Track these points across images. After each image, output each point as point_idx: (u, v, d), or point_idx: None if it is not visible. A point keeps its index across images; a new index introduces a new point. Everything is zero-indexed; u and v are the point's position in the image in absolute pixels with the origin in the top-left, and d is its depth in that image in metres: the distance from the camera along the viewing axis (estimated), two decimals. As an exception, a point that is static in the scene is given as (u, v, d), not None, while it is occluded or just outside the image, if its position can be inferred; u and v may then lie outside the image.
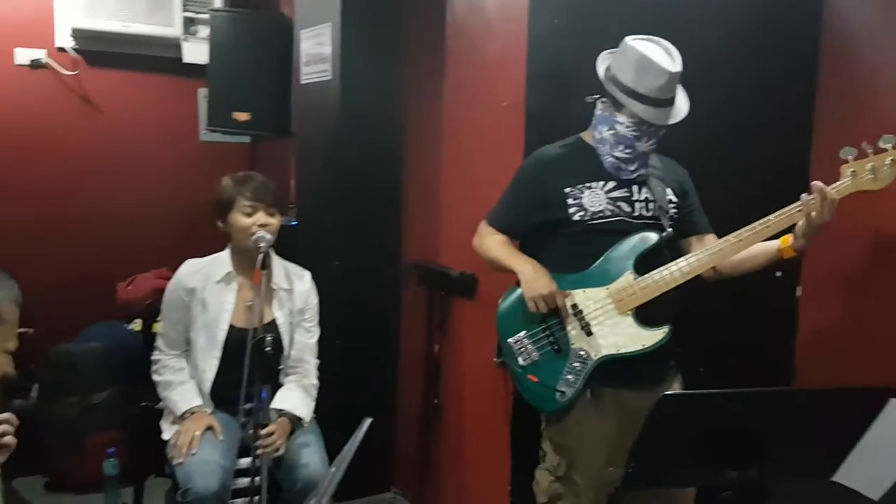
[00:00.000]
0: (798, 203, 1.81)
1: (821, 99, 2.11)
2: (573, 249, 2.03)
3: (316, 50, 3.15)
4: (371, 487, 3.12)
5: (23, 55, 3.70)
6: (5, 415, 1.51)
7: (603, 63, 2.00)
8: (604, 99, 2.00)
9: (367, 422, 1.25)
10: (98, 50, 3.85)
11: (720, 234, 1.98)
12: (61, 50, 3.78)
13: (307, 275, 2.64)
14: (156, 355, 2.53)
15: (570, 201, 2.01)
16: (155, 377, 2.51)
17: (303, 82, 3.28)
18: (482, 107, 2.70)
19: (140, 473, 3.22)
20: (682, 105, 1.96)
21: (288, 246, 2.70)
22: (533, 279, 2.00)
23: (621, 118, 1.95)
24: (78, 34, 3.75)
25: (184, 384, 2.45)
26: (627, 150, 1.97)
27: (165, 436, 2.42)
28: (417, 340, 3.03)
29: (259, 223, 2.41)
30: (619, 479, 1.77)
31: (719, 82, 2.16)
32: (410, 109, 3.09)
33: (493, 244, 2.15)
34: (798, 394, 1.83)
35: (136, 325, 3.55)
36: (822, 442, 1.59)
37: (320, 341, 2.64)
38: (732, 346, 2.21)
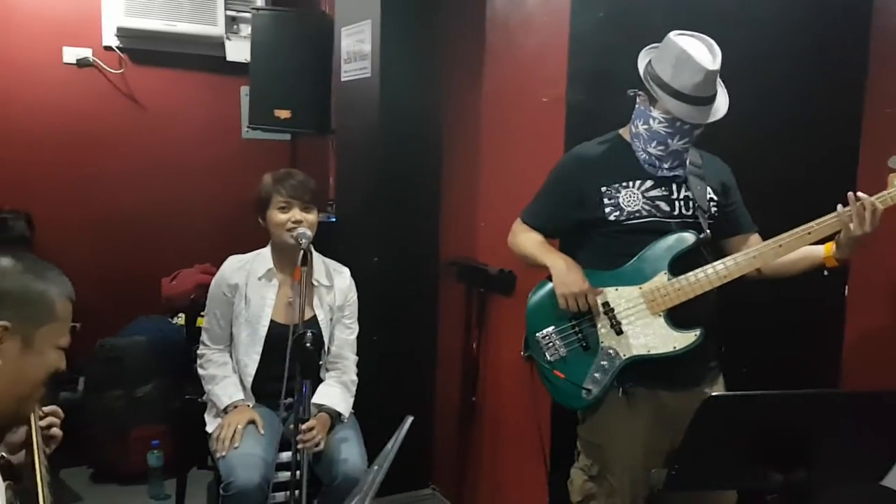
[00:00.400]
0: (835, 214, 1.77)
1: (870, 93, 2.06)
2: (608, 248, 2.01)
3: (356, 47, 3.17)
4: (409, 484, 3.14)
5: (70, 54, 3.78)
6: (51, 407, 1.54)
7: (645, 57, 1.97)
8: (641, 93, 1.97)
9: (409, 420, 1.25)
10: (143, 49, 3.92)
11: (764, 237, 1.94)
12: (108, 49, 3.86)
13: (347, 271, 2.66)
14: (200, 349, 2.57)
15: (605, 200, 1.98)
16: (199, 371, 2.56)
17: (343, 80, 3.30)
18: (522, 102, 2.68)
19: (183, 465, 3.28)
20: (720, 104, 1.91)
21: (327, 242, 2.72)
22: (565, 275, 1.98)
23: (655, 113, 1.91)
24: (123, 33, 3.82)
25: (227, 378, 2.49)
26: (660, 147, 1.94)
27: (209, 428, 2.45)
28: (455, 337, 3.03)
29: (294, 219, 2.43)
30: (660, 481, 1.75)
31: (765, 78, 2.12)
32: (449, 106, 3.09)
33: (527, 240, 2.13)
34: (846, 396, 1.79)
35: (180, 319, 3.61)
36: (871, 445, 1.55)
37: (359, 338, 2.65)
38: (777, 346, 2.17)
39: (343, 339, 2.60)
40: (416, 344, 3.17)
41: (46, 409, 1.52)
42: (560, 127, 2.39)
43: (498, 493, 2.84)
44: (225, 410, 2.42)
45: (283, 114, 3.70)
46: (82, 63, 3.80)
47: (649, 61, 1.94)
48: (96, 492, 3.36)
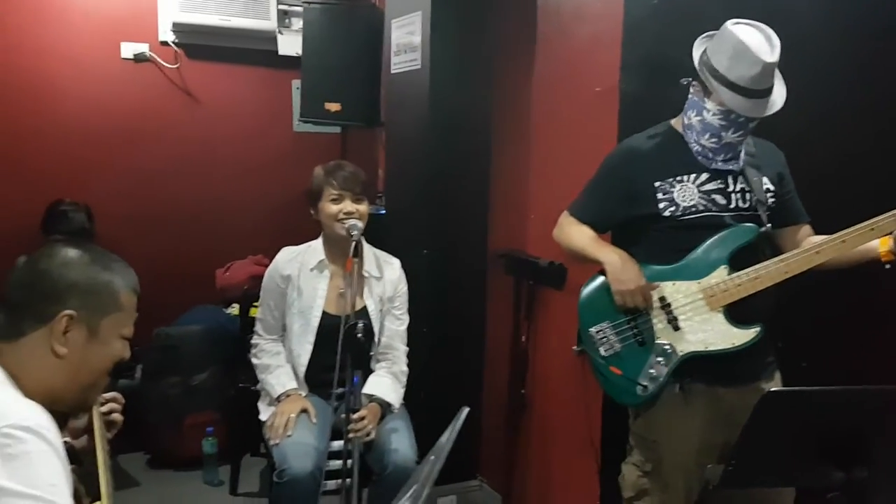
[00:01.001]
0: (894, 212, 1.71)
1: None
2: (663, 244, 1.96)
3: (406, 39, 3.17)
4: (457, 475, 3.14)
5: (128, 49, 3.87)
6: (112, 394, 1.58)
7: (700, 46, 1.91)
8: (696, 83, 1.92)
9: (465, 411, 1.25)
10: (198, 43, 3.99)
11: (825, 232, 1.88)
12: (164, 44, 3.94)
13: (397, 263, 2.67)
14: (254, 339, 2.62)
15: (659, 196, 1.93)
16: (253, 360, 2.60)
17: (393, 72, 3.31)
18: (574, 93, 2.65)
19: (237, 452, 3.36)
20: (777, 97, 1.84)
21: (377, 234, 2.74)
22: (621, 271, 1.94)
23: (709, 105, 1.86)
24: (179, 28, 3.90)
25: (280, 367, 2.52)
26: (713, 140, 1.89)
27: (262, 417, 2.50)
28: (504, 330, 3.02)
29: (345, 210, 2.45)
30: (716, 477, 1.72)
31: (826, 69, 2.05)
32: (499, 97, 3.07)
33: (576, 233, 2.08)
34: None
35: (234, 309, 3.67)
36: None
37: (408, 329, 2.67)
38: (837, 340, 2.10)
39: (393, 329, 2.61)
40: (465, 336, 3.17)
41: (107, 395, 1.57)
42: (613, 117, 2.35)
43: (547, 487, 2.83)
44: (278, 399, 2.46)
45: (334, 107, 3.73)
46: (139, 58, 3.89)
47: (704, 50, 1.89)
48: (152, 477, 3.44)
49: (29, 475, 1.01)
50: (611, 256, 1.97)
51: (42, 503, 1.00)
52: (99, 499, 1.32)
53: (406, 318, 2.66)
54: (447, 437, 1.09)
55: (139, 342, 3.52)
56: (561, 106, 2.74)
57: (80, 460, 1.39)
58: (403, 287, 2.65)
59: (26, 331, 1.23)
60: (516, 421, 2.93)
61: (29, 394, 1.18)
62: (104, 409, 1.54)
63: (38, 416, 1.08)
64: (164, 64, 3.93)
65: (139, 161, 3.95)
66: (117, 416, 1.57)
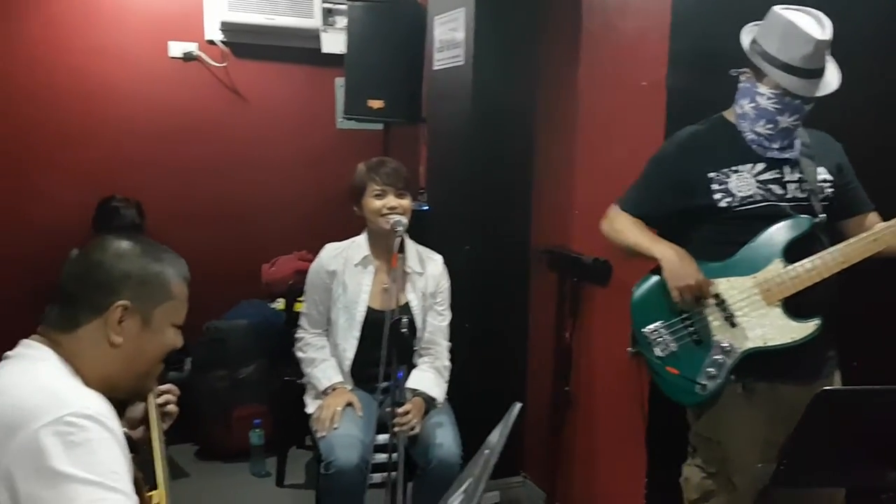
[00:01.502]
0: None
1: None
2: (717, 237, 1.93)
3: (449, 35, 3.18)
4: (500, 471, 3.13)
5: (176, 48, 3.94)
6: (168, 385, 1.63)
7: (748, 34, 1.89)
8: (746, 71, 1.89)
9: (517, 407, 1.24)
10: (243, 42, 4.04)
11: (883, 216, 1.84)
12: (211, 43, 4.00)
13: (439, 258, 2.68)
14: (299, 333, 2.65)
15: (714, 187, 1.91)
16: (298, 354, 2.64)
17: (435, 68, 3.32)
18: (620, 87, 2.62)
19: (283, 444, 3.41)
20: (831, 78, 1.81)
21: (419, 230, 2.75)
22: (678, 267, 1.91)
23: (763, 89, 1.83)
24: (226, 27, 3.96)
25: (325, 361, 2.56)
26: (769, 126, 1.86)
27: (309, 409, 2.53)
28: (547, 327, 3.01)
29: (388, 206, 2.47)
30: (766, 476, 1.69)
31: (878, 53, 2.00)
32: (543, 92, 3.06)
33: (628, 228, 2.05)
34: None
35: (279, 304, 3.73)
36: None
37: (451, 325, 2.68)
38: (890, 338, 2.05)
39: (435, 325, 2.63)
40: (508, 332, 3.16)
41: (163, 387, 1.61)
42: (660, 112, 2.33)
43: (592, 484, 2.81)
44: (324, 392, 2.49)
45: (376, 104, 3.75)
46: (187, 57, 3.96)
47: (753, 38, 1.86)
48: (201, 468, 3.51)
49: (91, 462, 1.04)
50: (667, 252, 1.94)
51: (104, 489, 1.03)
52: (156, 487, 1.36)
53: (448, 314, 2.67)
54: (500, 432, 1.09)
55: (188, 336, 3.60)
56: (606, 100, 2.71)
57: (137, 450, 1.43)
58: (445, 283, 2.66)
59: (82, 322, 1.26)
60: (560, 418, 2.92)
61: (87, 383, 1.22)
62: (160, 400, 1.58)
63: (99, 405, 1.12)
64: (211, 62, 4.00)
65: (187, 158, 4.02)
66: (172, 408, 1.62)
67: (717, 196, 1.91)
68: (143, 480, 1.33)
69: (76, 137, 3.80)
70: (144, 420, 1.55)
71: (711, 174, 1.91)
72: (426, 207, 3.53)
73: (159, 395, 1.59)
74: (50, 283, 1.36)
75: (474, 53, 2.97)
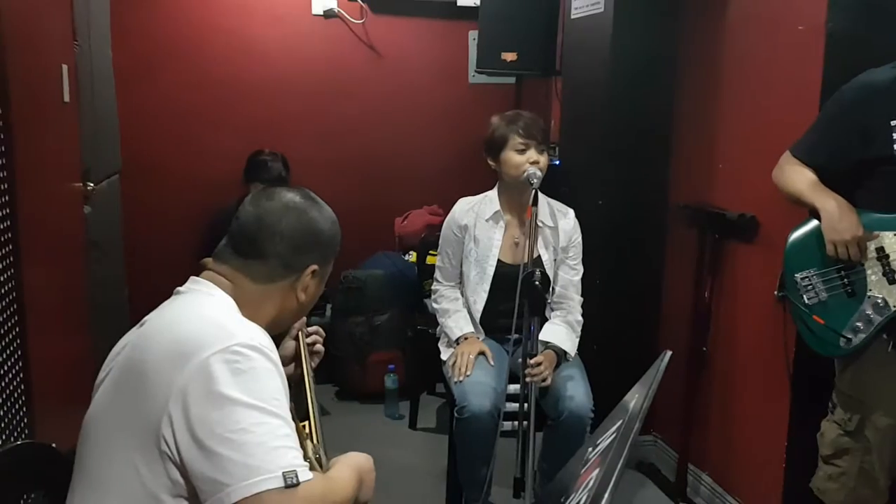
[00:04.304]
0: None
1: None
2: (891, 191, 1.82)
3: (588, -18, 3.08)
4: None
5: (318, 5, 4.06)
6: (315, 328, 1.74)
7: None
8: None
9: (668, 355, 1.23)
10: (381, -2, 4.12)
11: None
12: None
13: (571, 213, 2.66)
14: (434, 285, 2.72)
15: (895, 136, 1.78)
16: (433, 305, 2.71)
17: (573, 17, 3.23)
18: (772, 33, 2.46)
19: (415, 390, 3.54)
20: None
21: (551, 185, 2.72)
22: (837, 220, 1.82)
23: None
24: (364, -18, 4.04)
25: (458, 312, 2.62)
26: None
27: (443, 356, 2.61)
28: (684, 285, 2.91)
29: (531, 160, 2.46)
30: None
31: None
32: (687, 40, 2.91)
33: (795, 175, 1.97)
34: None
35: (411, 256, 3.84)
36: None
37: (583, 281, 2.65)
38: None
39: (567, 279, 2.62)
40: (641, 290, 3.09)
41: (311, 328, 1.71)
42: (818, 59, 2.17)
43: (729, 446, 2.74)
44: (456, 342, 2.55)
45: (510, 56, 3.72)
46: (328, 14, 4.07)
47: None
48: (340, 407, 3.71)
49: (256, 389, 1.12)
50: (829, 203, 1.86)
51: (266, 414, 1.11)
52: (307, 419, 1.46)
53: (580, 269, 2.65)
54: (652, 378, 1.09)
55: (329, 283, 3.78)
56: (756, 47, 2.55)
57: (289, 386, 1.54)
58: (578, 237, 2.64)
59: (276, 279, 1.34)
60: (696, 378, 2.85)
61: (252, 320, 1.30)
62: (309, 340, 1.69)
63: (263, 338, 1.20)
64: (350, 19, 4.09)
65: (327, 113, 4.17)
66: (320, 347, 1.72)
67: None
68: (296, 412, 1.43)
69: (230, 93, 4.03)
70: (294, 358, 1.66)
71: (894, 122, 1.79)
72: (557, 163, 3.49)
73: (308, 335, 1.69)
74: (214, 228, 1.46)
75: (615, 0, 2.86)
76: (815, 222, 1.92)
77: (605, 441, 1.02)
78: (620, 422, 1.00)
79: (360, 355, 3.71)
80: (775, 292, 2.01)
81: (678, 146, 3.00)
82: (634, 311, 3.07)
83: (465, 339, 2.54)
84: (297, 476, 1.08)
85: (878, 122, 1.80)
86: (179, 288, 1.34)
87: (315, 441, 1.40)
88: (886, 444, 1.88)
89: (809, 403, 2.15)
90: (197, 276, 1.34)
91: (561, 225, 2.61)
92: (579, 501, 0.90)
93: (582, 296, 2.65)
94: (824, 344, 1.91)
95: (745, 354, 2.64)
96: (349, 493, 1.25)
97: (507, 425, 2.33)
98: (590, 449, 1.18)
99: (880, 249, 1.81)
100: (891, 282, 1.80)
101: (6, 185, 1.77)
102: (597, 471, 0.86)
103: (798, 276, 1.93)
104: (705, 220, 2.77)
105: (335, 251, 1.44)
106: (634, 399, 1.07)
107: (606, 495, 0.75)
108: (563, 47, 3.47)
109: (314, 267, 1.37)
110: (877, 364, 1.85)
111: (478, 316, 2.60)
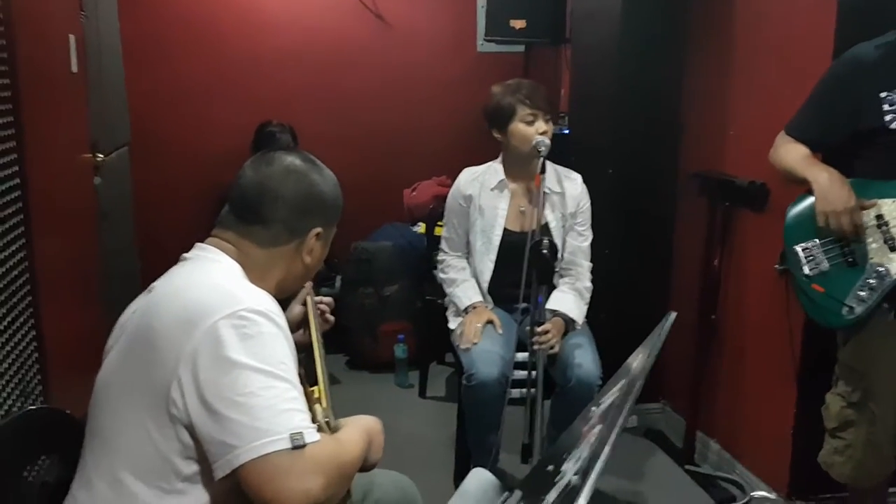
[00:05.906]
0: None
1: None
2: (887, 161, 1.80)
3: (597, -52, 3.04)
4: (639, 397, 3.12)
5: (324, -26, 4.04)
6: (326, 298, 1.76)
7: None
8: None
9: (672, 316, 1.23)
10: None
11: None
12: (357, -34, 4.06)
13: (578, 178, 2.64)
14: (440, 256, 2.73)
15: (886, 107, 1.76)
16: (440, 275, 2.72)
17: (582, -16, 3.20)
18: (784, 1, 2.42)
19: (425, 359, 3.57)
20: None
21: (560, 155, 2.70)
22: (828, 191, 1.82)
23: None
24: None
25: (466, 282, 2.62)
26: None
27: (451, 325, 2.62)
28: (694, 253, 2.90)
29: (540, 131, 2.44)
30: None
31: None
32: (698, 6, 2.87)
33: (788, 153, 1.97)
34: None
35: (420, 227, 3.84)
36: None
37: (592, 249, 2.65)
38: None
39: (576, 245, 2.61)
40: (651, 258, 3.08)
41: (319, 297, 1.73)
42: (829, 28, 2.14)
43: (738, 414, 2.75)
44: (464, 311, 2.56)
45: (519, 24, 3.69)
46: (336, -16, 4.05)
47: None
48: (351, 377, 3.75)
49: (263, 353, 1.13)
50: (820, 175, 1.85)
51: (274, 378, 1.12)
52: (316, 383, 1.47)
53: (589, 234, 2.64)
54: (656, 339, 1.09)
55: (339, 254, 3.83)
56: (768, 13, 2.51)
57: (297, 351, 1.55)
58: (586, 202, 2.62)
59: (280, 243, 1.34)
60: (705, 346, 2.85)
61: (258, 285, 1.31)
62: (319, 307, 1.70)
63: (269, 303, 1.21)
64: (358, -12, 4.06)
65: (334, 84, 4.15)
66: (330, 316, 1.73)
67: (889, 118, 1.77)
68: (304, 377, 1.44)
69: (238, 66, 4.04)
70: (301, 323, 1.67)
71: (883, 94, 1.78)
72: (566, 131, 3.47)
73: (317, 303, 1.70)
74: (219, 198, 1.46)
75: (626, -34, 2.82)
76: (811, 198, 1.90)
77: (608, 399, 1.03)
78: (623, 381, 1.01)
79: (370, 326, 3.74)
80: (776, 266, 2.01)
81: (689, 113, 2.97)
82: (643, 280, 3.07)
83: (474, 307, 2.55)
84: (304, 437, 1.10)
85: (867, 95, 1.80)
86: (185, 254, 1.35)
87: (324, 405, 1.41)
88: (890, 415, 1.88)
89: (817, 373, 2.15)
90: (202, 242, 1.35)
91: (568, 190, 2.59)
92: (581, 456, 0.91)
93: (591, 262, 2.65)
94: (827, 314, 1.90)
95: (754, 323, 2.64)
96: (358, 454, 1.27)
97: (516, 393, 2.34)
98: (593, 408, 1.20)
99: (880, 217, 1.80)
100: (892, 249, 1.79)
101: (16, 156, 1.78)
102: (599, 427, 0.87)
103: (798, 247, 1.92)
104: (715, 188, 2.75)
105: (338, 213, 1.44)
106: (637, 359, 1.08)
107: (606, 448, 0.76)
108: (572, 15, 3.43)
109: (318, 229, 1.37)
110: (879, 334, 1.85)
111: (485, 286, 2.60)
